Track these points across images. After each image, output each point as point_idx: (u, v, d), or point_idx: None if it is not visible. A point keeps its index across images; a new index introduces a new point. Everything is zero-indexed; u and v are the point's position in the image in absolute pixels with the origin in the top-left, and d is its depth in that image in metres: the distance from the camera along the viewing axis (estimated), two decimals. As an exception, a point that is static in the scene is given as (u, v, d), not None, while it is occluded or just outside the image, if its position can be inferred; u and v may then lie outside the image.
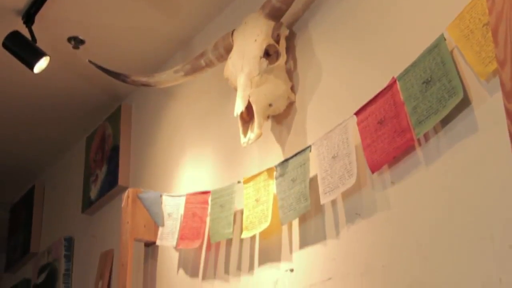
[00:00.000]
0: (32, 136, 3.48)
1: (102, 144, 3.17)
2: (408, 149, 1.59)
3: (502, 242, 1.32)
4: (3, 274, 4.09)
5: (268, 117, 2.08)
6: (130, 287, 2.49)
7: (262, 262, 2.03)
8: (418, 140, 1.57)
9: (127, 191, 2.54)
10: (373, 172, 1.66)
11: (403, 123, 1.59)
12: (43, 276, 3.43)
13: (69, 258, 3.26)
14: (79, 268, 3.22)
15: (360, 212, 1.71)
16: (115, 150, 3.01)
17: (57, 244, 3.35)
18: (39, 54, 2.48)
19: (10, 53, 2.48)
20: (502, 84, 1.24)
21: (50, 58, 2.52)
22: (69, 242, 3.29)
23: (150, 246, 2.60)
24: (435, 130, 1.54)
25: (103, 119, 3.21)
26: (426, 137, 1.56)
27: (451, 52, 1.50)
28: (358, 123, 1.72)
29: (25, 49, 2.48)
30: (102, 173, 3.09)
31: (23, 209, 3.88)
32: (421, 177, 1.56)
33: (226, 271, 2.17)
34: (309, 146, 1.87)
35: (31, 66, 2.49)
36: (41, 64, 2.51)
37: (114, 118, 3.09)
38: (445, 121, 1.50)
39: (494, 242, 1.34)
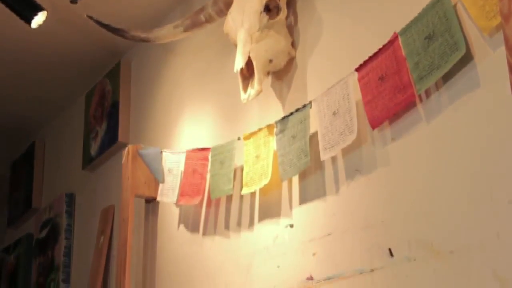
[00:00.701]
0: (31, 93, 3.47)
1: (101, 100, 3.16)
2: (409, 105, 1.58)
3: (501, 197, 1.33)
4: (6, 229, 4.13)
5: (268, 73, 2.07)
6: (131, 243, 2.52)
7: (262, 218, 2.04)
8: (419, 96, 1.56)
9: (127, 148, 2.54)
10: (373, 128, 1.66)
11: (404, 79, 1.57)
12: (45, 231, 3.46)
13: (70, 214, 3.29)
14: (81, 224, 3.25)
15: (360, 168, 1.71)
16: (115, 106, 3.00)
17: (58, 200, 3.37)
18: (37, 8, 2.44)
19: (7, 7, 2.44)
20: (506, 39, 1.22)
21: (47, 13, 2.49)
22: (70, 198, 3.31)
23: (151, 202, 2.62)
24: (437, 86, 1.53)
25: (102, 75, 3.18)
26: (427, 93, 1.55)
27: (454, 6, 1.47)
28: (359, 79, 1.71)
29: (22, 3, 2.44)
30: (102, 129, 3.09)
31: (24, 166, 3.90)
32: (422, 134, 1.56)
33: (227, 227, 2.19)
34: (310, 103, 1.86)
35: (28, 21, 2.46)
36: (39, 19, 2.47)
37: (113, 74, 3.07)
38: (447, 77, 1.49)
39: (493, 197, 1.35)
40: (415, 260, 1.51)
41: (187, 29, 2.29)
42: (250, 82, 1.96)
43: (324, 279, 1.75)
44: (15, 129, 3.84)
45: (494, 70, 1.39)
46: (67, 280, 3.17)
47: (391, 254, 1.57)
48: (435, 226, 1.47)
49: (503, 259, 1.31)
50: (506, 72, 1.22)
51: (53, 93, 3.45)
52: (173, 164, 2.41)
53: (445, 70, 1.47)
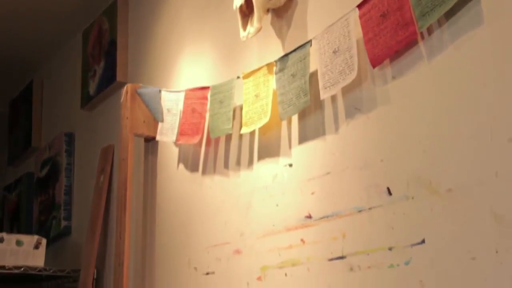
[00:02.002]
0: (27, 31, 3.42)
1: (99, 39, 3.11)
2: (410, 43, 1.55)
3: (501, 136, 1.32)
4: (6, 168, 4.15)
5: (268, 10, 2.03)
6: (131, 182, 2.54)
7: (261, 157, 2.04)
8: (421, 33, 1.54)
9: (125, 86, 2.52)
10: (374, 66, 1.64)
11: (407, 16, 1.54)
12: (45, 170, 3.48)
13: (70, 153, 3.30)
14: (81, 163, 3.26)
15: (360, 107, 1.70)
16: (113, 45, 2.96)
17: (57, 139, 3.37)
18: None
19: None
20: (511, -26, 1.19)
21: None
22: (70, 138, 3.31)
23: (150, 142, 2.62)
24: (439, 23, 1.50)
25: (99, 12, 3.13)
26: (430, 30, 1.52)
27: None
28: (360, 17, 1.68)
29: None
30: (100, 68, 3.06)
31: (23, 104, 3.89)
32: (423, 72, 1.54)
33: (226, 166, 2.19)
34: (310, 41, 1.84)
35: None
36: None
37: (111, 12, 3.02)
38: (450, 14, 1.46)
39: (493, 136, 1.34)
40: (413, 198, 1.52)
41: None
42: (249, 20, 1.93)
43: (323, 218, 1.77)
44: (13, 67, 3.81)
45: (499, 6, 1.35)
46: (68, 218, 3.21)
47: (389, 193, 1.58)
48: (434, 165, 1.47)
49: (500, 197, 1.32)
50: (511, 7, 1.19)
51: (50, 30, 3.41)
52: (172, 103, 2.40)
53: (448, 6, 1.43)
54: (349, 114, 1.73)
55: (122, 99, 2.52)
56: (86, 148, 3.22)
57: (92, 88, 3.12)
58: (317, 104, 1.83)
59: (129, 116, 2.47)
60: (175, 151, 2.48)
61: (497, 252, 1.31)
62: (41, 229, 3.38)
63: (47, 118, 3.72)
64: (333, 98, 1.79)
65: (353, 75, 1.67)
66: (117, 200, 2.58)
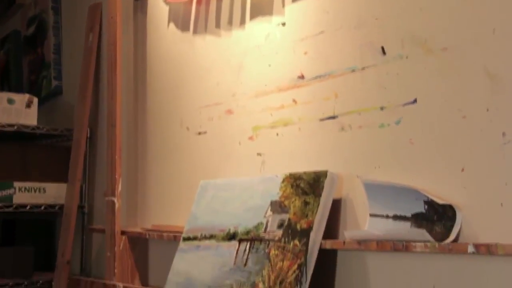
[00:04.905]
0: None
1: None
2: None
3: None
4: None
5: None
6: (121, 41, 2.50)
7: (253, 16, 1.99)
8: None
9: None
10: None
11: None
12: (32, 28, 3.41)
13: (56, 10, 3.20)
14: (68, 21, 3.18)
15: (357, -37, 1.63)
16: None
17: (43, -5, 3.27)
18: None
19: None
20: None
21: None
22: (55, -6, 3.20)
23: (139, 0, 2.55)
24: None
25: None
26: None
27: None
28: None
29: None
30: None
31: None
32: None
33: (218, 25, 2.14)
34: None
35: None
36: None
37: None
38: None
39: (494, -8, 1.30)
40: (407, 57, 1.50)
41: None
42: None
43: (315, 77, 1.76)
44: None
45: None
46: (58, 77, 3.18)
47: (384, 52, 1.56)
48: (430, 23, 1.44)
49: (496, 56, 1.30)
50: None
51: None
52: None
53: None
54: (345, -28, 1.67)
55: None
56: (73, 5, 3.13)
57: None
58: (313, -41, 1.76)
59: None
60: (165, 9, 2.41)
61: (488, 110, 1.32)
62: (32, 89, 3.36)
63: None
64: (330, -47, 1.71)
65: None
66: (107, 60, 2.55)
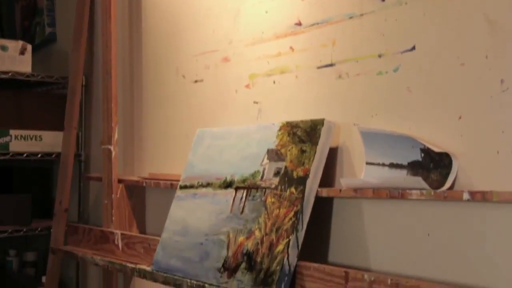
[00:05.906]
0: None
1: None
2: None
3: None
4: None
5: None
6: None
7: (250, -40, 1.95)
8: None
9: None
10: None
11: None
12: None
13: None
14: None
15: None
16: None
17: None
18: None
19: None
20: None
21: None
22: None
23: None
24: None
25: None
26: None
27: None
28: None
29: None
30: None
31: None
32: None
33: (213, -30, 2.11)
34: None
35: None
36: None
37: None
38: None
39: None
40: (406, 3, 1.48)
41: None
42: None
43: (313, 24, 1.73)
44: None
45: None
46: (52, 24, 3.13)
47: (383, -2, 1.53)
48: (431, -32, 1.41)
49: (495, 2, 1.28)
50: None
51: None
52: None
53: None
54: None
55: None
56: None
57: None
58: None
59: None
60: (160, -46, 2.36)
61: (486, 57, 1.31)
62: (25, 36, 3.31)
63: None
64: None
65: None
66: (101, 6, 2.51)
